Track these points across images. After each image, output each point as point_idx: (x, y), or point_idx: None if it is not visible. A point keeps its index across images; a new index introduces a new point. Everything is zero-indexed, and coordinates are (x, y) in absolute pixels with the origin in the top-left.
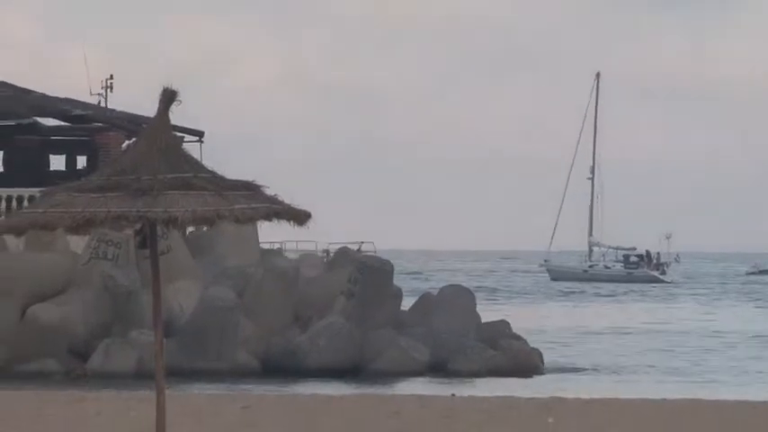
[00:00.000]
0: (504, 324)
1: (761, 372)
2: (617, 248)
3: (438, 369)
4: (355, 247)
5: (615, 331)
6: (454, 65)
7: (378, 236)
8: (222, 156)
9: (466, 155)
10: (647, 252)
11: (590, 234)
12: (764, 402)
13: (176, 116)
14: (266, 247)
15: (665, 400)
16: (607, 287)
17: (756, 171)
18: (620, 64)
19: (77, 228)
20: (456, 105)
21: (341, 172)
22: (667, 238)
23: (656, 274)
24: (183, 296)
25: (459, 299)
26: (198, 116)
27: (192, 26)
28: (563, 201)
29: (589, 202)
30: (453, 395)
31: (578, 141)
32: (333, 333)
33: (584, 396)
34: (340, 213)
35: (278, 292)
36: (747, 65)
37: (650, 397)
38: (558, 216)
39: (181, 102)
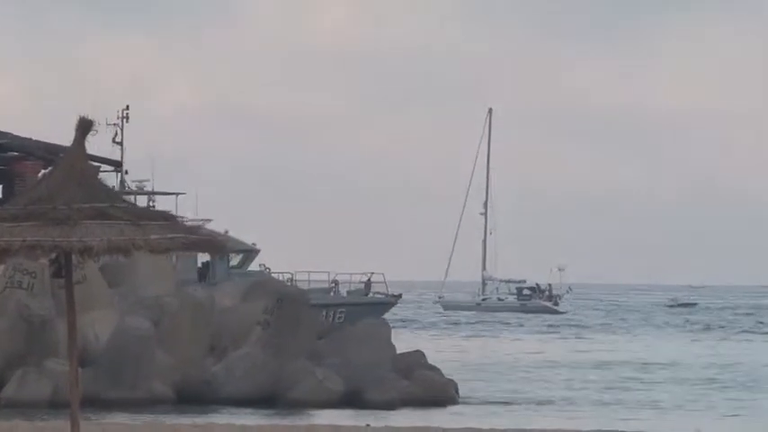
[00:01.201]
0: (419, 354)
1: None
2: (508, 281)
3: (353, 399)
4: (365, 278)
5: (529, 363)
6: (372, 93)
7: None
8: (148, 183)
9: (374, 184)
10: (538, 285)
11: (483, 268)
12: None
13: (95, 146)
14: (277, 276)
15: (578, 431)
16: (503, 317)
17: (654, 204)
18: (518, 97)
19: None
20: (370, 133)
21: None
22: (560, 270)
23: (548, 304)
24: (99, 325)
25: (374, 330)
26: (127, 142)
27: (117, 52)
28: (456, 234)
29: (482, 237)
30: (368, 425)
31: (471, 176)
32: (248, 363)
33: (499, 427)
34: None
35: (194, 322)
36: (649, 95)
37: (564, 428)
38: (453, 249)
39: (97, 131)
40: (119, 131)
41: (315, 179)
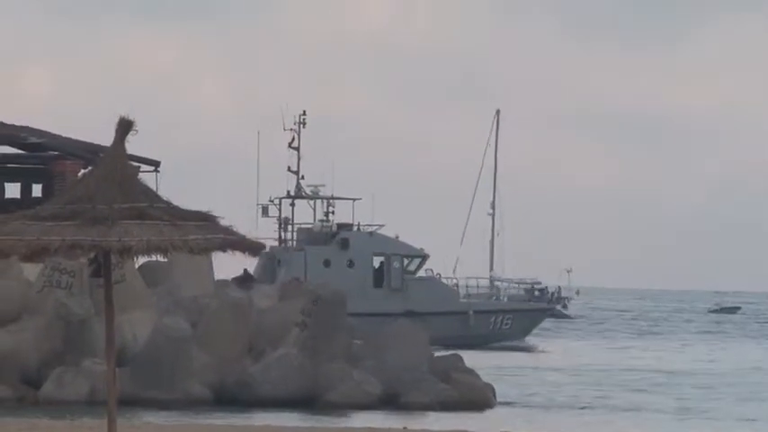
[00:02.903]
0: (456, 358)
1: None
2: (519, 283)
3: (390, 402)
4: (527, 284)
5: (567, 368)
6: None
7: None
8: (179, 184)
9: (382, 182)
10: (546, 287)
11: (491, 269)
12: None
13: (132, 144)
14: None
15: None
16: None
17: (669, 208)
18: (528, 96)
19: (31, 255)
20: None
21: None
22: (568, 272)
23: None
24: (137, 325)
25: (411, 332)
26: (153, 144)
27: (147, 51)
28: (464, 235)
29: (490, 237)
30: (405, 428)
31: (479, 176)
32: (286, 364)
33: (536, 431)
34: None
35: (231, 322)
36: (659, 97)
37: None
38: (460, 251)
39: (137, 131)
40: (295, 136)
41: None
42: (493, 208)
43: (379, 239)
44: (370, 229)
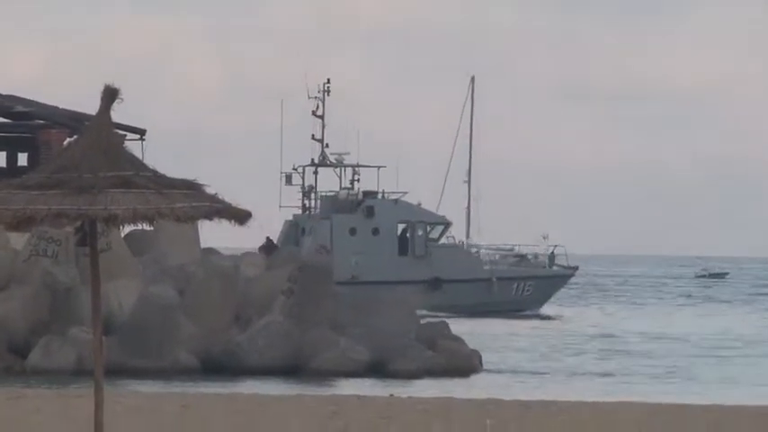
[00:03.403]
0: (442, 325)
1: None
2: (496, 249)
3: (376, 369)
4: (549, 250)
5: (548, 333)
6: (391, 65)
7: None
8: (165, 154)
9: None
10: (526, 254)
11: (467, 236)
12: (677, 405)
13: (118, 113)
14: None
15: (602, 402)
16: None
17: (634, 175)
18: (500, 64)
19: (18, 224)
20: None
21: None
22: (544, 238)
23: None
24: (123, 294)
25: (398, 300)
26: (140, 114)
27: (134, 24)
28: (439, 203)
29: (466, 204)
30: (392, 395)
31: (454, 145)
32: (272, 332)
33: (523, 398)
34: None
35: (219, 291)
36: (640, 65)
37: (586, 399)
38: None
39: (122, 99)
40: (320, 104)
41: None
42: (469, 176)
43: (404, 207)
44: (393, 197)
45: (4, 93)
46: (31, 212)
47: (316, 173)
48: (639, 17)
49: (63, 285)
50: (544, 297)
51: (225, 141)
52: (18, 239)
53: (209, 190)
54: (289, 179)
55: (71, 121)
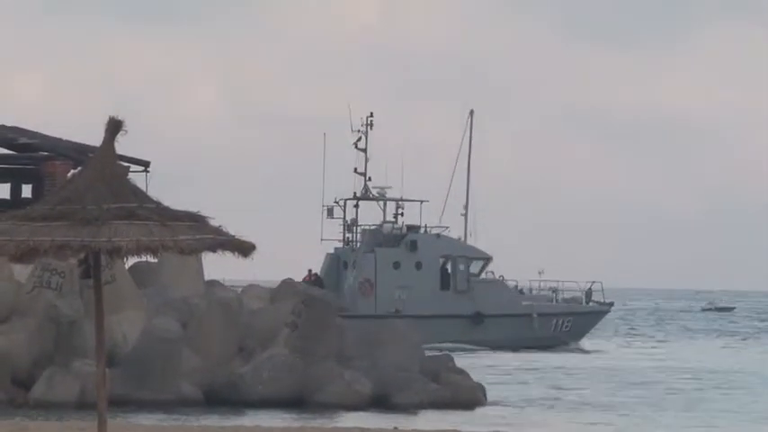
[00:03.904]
0: (446, 358)
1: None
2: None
3: (381, 402)
4: (586, 287)
5: (555, 367)
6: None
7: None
8: (168, 186)
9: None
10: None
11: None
12: None
13: (122, 145)
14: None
15: None
16: None
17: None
18: (497, 98)
19: (21, 256)
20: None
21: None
22: (540, 273)
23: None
24: (127, 326)
25: (402, 333)
26: (143, 145)
27: (135, 54)
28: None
29: (462, 238)
30: (396, 428)
31: (452, 177)
32: (276, 365)
33: (527, 430)
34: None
35: (222, 323)
36: (639, 96)
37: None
38: None
39: (126, 131)
40: (363, 137)
41: None
42: (466, 209)
43: (446, 241)
44: (435, 231)
45: (8, 124)
46: (34, 244)
47: (356, 206)
48: (642, 42)
49: (67, 318)
50: (582, 332)
51: (254, 171)
52: (22, 271)
53: (213, 222)
54: (330, 212)
55: (75, 152)
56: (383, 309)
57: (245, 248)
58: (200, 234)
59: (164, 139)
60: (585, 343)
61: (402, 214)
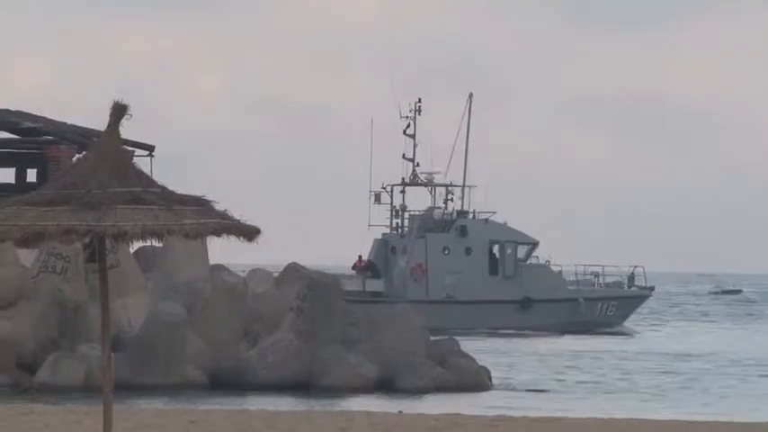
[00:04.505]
0: (452, 341)
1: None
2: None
3: (386, 386)
4: (627, 271)
5: (562, 351)
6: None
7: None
8: (172, 169)
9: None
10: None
11: None
12: (698, 422)
13: (126, 129)
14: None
15: (611, 418)
16: None
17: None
18: (497, 79)
19: (27, 241)
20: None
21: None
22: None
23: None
24: (132, 310)
25: (407, 316)
26: (147, 129)
27: (139, 38)
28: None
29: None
30: (401, 412)
31: (450, 160)
32: (281, 349)
33: (532, 414)
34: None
35: (227, 307)
36: (639, 79)
37: (598, 416)
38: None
39: (131, 116)
40: (411, 123)
41: None
42: (462, 193)
43: (494, 227)
44: (483, 216)
45: (11, 109)
46: (39, 229)
47: (403, 192)
48: (644, 28)
49: (72, 302)
50: (624, 316)
51: (295, 157)
52: (27, 256)
53: (219, 206)
54: (378, 198)
55: (80, 137)
56: (435, 294)
57: (249, 233)
58: (204, 218)
59: (169, 122)
60: (628, 327)
61: (452, 200)
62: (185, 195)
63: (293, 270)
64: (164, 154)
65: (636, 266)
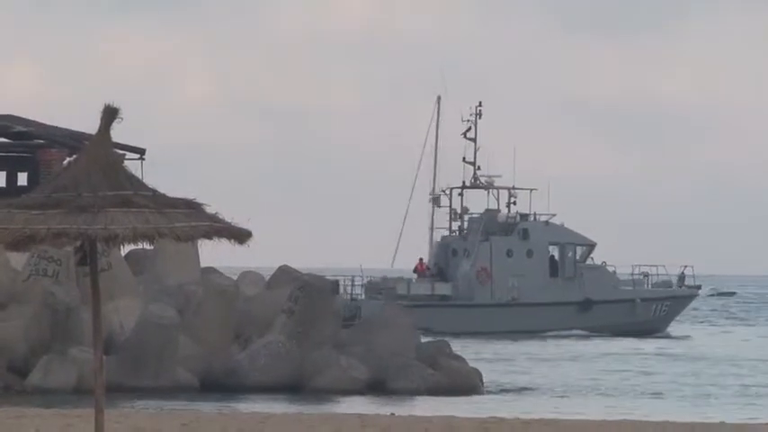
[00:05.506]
0: (443, 344)
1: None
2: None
3: (377, 388)
4: (679, 271)
5: (552, 353)
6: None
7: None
8: (164, 172)
9: (329, 170)
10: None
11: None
12: (688, 424)
13: (117, 132)
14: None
15: (604, 420)
16: None
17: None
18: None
19: (18, 244)
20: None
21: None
22: None
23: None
24: (124, 313)
25: (398, 318)
26: (139, 132)
27: (131, 43)
28: (404, 221)
29: (430, 224)
30: (393, 414)
31: (419, 163)
32: (273, 351)
33: (524, 416)
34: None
35: (218, 310)
36: (619, 82)
37: (591, 418)
38: (400, 236)
39: (122, 119)
40: (472, 127)
41: None
42: (433, 194)
43: (554, 229)
44: (543, 219)
45: (2, 113)
46: (30, 232)
47: (461, 194)
48: (639, 32)
49: (63, 305)
50: (674, 316)
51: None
52: (18, 259)
53: (210, 209)
54: (437, 201)
55: (70, 140)
56: (500, 297)
57: (241, 236)
58: (196, 221)
59: (161, 126)
60: (676, 328)
61: (515, 203)
62: (176, 198)
63: (285, 272)
64: (155, 157)
65: (686, 266)
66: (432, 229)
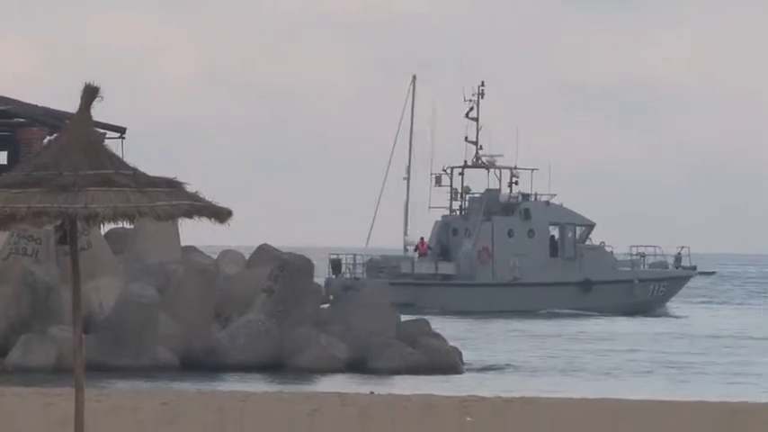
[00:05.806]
0: (423, 322)
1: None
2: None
3: (357, 367)
4: (676, 252)
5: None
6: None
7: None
8: (145, 152)
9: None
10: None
11: (405, 233)
12: (667, 402)
13: (98, 112)
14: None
15: (584, 399)
16: None
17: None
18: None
19: None
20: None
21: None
22: None
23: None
24: (104, 292)
25: (378, 297)
26: (121, 112)
27: (115, 22)
28: (379, 200)
29: (405, 202)
30: (372, 393)
31: (395, 142)
32: (253, 330)
33: (504, 395)
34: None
35: (198, 288)
36: (612, 64)
37: (571, 396)
38: (375, 215)
39: (102, 98)
40: (474, 107)
41: None
42: (408, 173)
43: (555, 209)
44: (543, 199)
45: None
46: (10, 211)
47: (462, 174)
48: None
49: (43, 284)
50: (670, 297)
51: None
52: None
53: (190, 188)
54: (438, 180)
55: (51, 119)
56: (501, 277)
57: (221, 214)
58: (176, 200)
59: (144, 104)
60: (673, 307)
61: (517, 183)
62: (157, 177)
63: (264, 251)
64: (136, 136)
65: (682, 247)
66: (406, 206)
